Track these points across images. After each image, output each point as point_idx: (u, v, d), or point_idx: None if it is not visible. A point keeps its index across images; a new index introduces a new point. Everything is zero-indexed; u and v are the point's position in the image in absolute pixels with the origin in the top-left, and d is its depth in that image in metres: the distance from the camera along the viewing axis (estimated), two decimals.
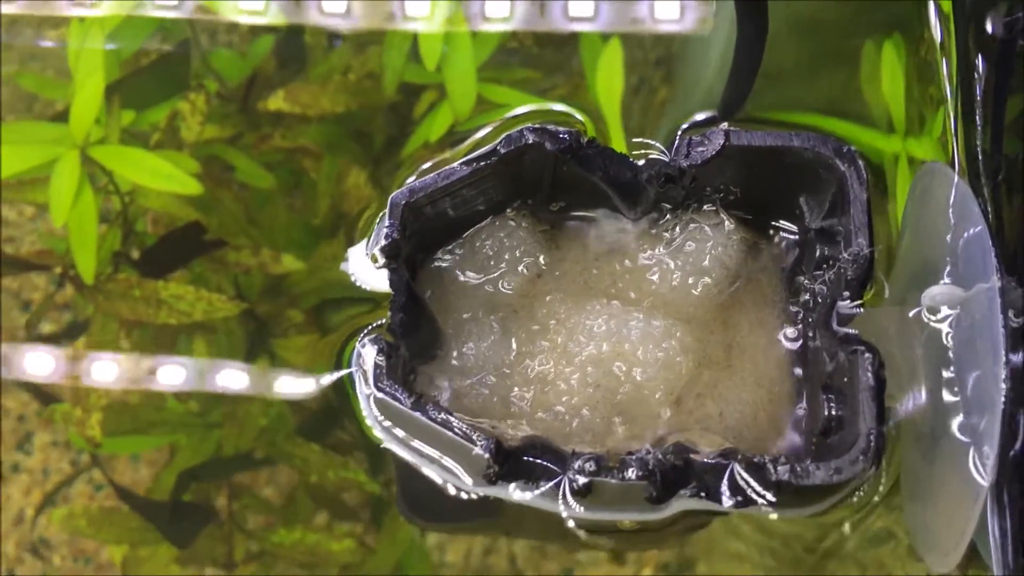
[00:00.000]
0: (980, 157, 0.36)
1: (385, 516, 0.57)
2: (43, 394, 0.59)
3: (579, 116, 0.46)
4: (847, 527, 0.44)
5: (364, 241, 0.42)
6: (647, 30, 0.53)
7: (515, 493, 0.34)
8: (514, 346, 0.37)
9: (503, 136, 0.35)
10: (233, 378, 0.58)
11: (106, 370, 0.58)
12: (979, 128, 0.37)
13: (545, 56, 0.51)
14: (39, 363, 0.59)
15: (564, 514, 0.34)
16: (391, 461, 0.58)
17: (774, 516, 0.32)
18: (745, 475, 0.32)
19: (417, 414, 0.33)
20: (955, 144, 0.40)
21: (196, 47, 0.59)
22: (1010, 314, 0.32)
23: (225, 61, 0.59)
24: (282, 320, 0.58)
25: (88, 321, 0.58)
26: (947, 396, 0.34)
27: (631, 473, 0.32)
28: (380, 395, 0.33)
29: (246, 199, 0.58)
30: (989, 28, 0.36)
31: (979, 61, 0.38)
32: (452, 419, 0.33)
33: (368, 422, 0.35)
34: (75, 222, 0.56)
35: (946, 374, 0.34)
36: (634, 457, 0.32)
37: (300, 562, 0.56)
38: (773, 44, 0.44)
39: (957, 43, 0.42)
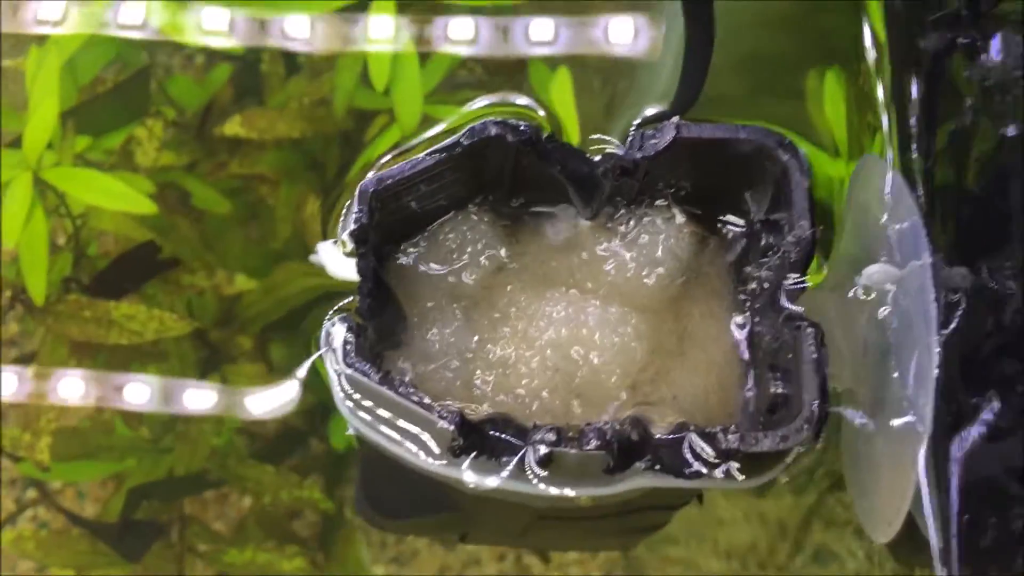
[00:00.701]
0: (915, 172, 0.39)
1: (336, 537, 0.57)
2: None
3: (540, 112, 0.48)
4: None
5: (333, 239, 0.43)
6: (602, 52, 0.55)
7: (478, 472, 0.35)
8: (476, 332, 0.39)
9: (467, 128, 0.37)
10: (185, 400, 0.58)
11: (56, 394, 0.58)
12: (913, 153, 0.40)
13: (495, 83, 0.53)
14: None
15: (522, 490, 0.35)
16: (348, 475, 0.59)
17: (736, 481, 0.33)
18: (700, 443, 0.34)
19: (385, 388, 0.34)
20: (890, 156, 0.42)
21: (154, 75, 0.60)
22: (946, 293, 0.34)
23: (182, 88, 0.60)
24: (233, 345, 0.58)
25: (38, 344, 0.58)
26: (887, 372, 0.36)
27: (590, 443, 0.33)
28: (350, 371, 0.34)
29: (203, 226, 0.59)
30: (922, 46, 0.39)
31: (912, 88, 0.41)
32: (418, 393, 0.34)
33: (338, 402, 0.36)
34: (26, 244, 0.57)
35: (886, 351, 0.36)
36: (592, 427, 0.34)
37: None
38: (717, 78, 0.46)
39: (891, 69, 0.45)
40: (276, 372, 0.58)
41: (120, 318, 0.58)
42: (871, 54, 0.47)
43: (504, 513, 0.41)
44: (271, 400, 0.59)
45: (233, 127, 0.60)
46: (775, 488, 0.58)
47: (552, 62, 0.56)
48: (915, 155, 0.39)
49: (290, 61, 0.60)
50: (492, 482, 0.35)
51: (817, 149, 0.47)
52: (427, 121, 0.56)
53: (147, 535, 0.55)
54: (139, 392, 0.58)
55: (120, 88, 0.60)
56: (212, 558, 0.58)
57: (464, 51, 0.57)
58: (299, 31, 0.58)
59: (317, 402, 0.54)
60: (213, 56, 0.61)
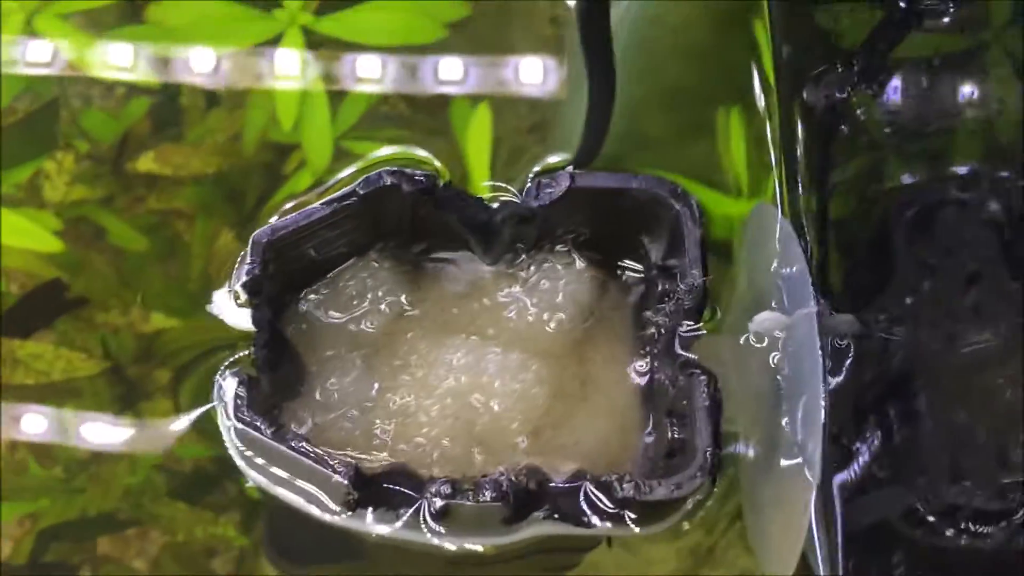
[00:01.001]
0: (803, 217, 0.39)
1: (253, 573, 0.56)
2: None
3: (437, 163, 0.48)
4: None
5: (227, 284, 0.43)
6: (513, 93, 0.56)
7: (376, 524, 0.35)
8: (376, 381, 0.38)
9: (362, 178, 0.37)
10: (98, 438, 0.57)
11: None
12: (800, 192, 0.41)
13: (417, 119, 0.53)
14: None
15: (426, 540, 0.35)
16: (262, 510, 0.58)
17: (635, 531, 0.34)
18: (596, 492, 0.34)
19: (276, 444, 0.34)
20: (782, 205, 0.43)
21: (66, 107, 0.59)
22: (834, 339, 0.35)
23: (97, 122, 0.58)
24: (150, 382, 0.57)
25: None
26: (779, 417, 0.36)
27: (485, 495, 0.33)
28: (240, 425, 0.34)
29: (119, 263, 0.58)
30: (807, 97, 0.40)
31: (799, 129, 0.41)
32: (310, 448, 0.34)
33: (233, 455, 0.35)
34: None
35: (776, 396, 0.36)
36: (488, 479, 0.34)
37: None
38: (643, 113, 0.47)
39: (780, 112, 0.45)
40: (185, 413, 0.57)
41: (25, 357, 0.57)
42: (762, 96, 0.47)
43: (412, 561, 0.41)
44: (184, 439, 0.57)
45: (147, 163, 0.59)
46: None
47: (473, 99, 0.56)
48: (802, 199, 0.39)
49: (210, 95, 0.60)
50: (388, 531, 0.35)
51: (718, 192, 0.47)
52: (345, 157, 0.56)
53: None
54: (50, 432, 0.57)
55: (29, 119, 0.58)
56: None
57: (373, 88, 0.57)
58: (205, 67, 0.58)
59: (214, 455, 0.53)
60: (130, 89, 0.60)
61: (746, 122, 0.50)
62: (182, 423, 0.53)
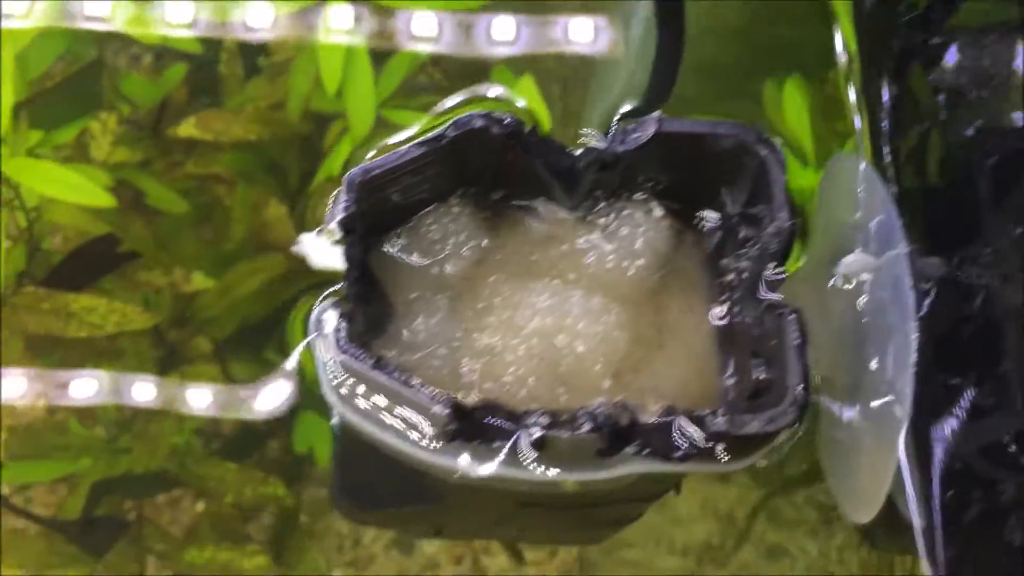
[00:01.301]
0: (887, 171, 0.40)
1: (294, 539, 0.57)
2: None
3: (519, 103, 0.49)
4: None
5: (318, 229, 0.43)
6: (563, 51, 0.56)
7: (468, 459, 0.35)
8: (462, 322, 0.39)
9: (451, 120, 0.37)
10: (143, 397, 0.57)
11: (9, 391, 0.57)
12: (885, 156, 0.41)
13: (456, 88, 0.54)
14: None
15: (510, 476, 0.35)
16: (309, 476, 0.59)
17: (720, 467, 0.34)
18: (689, 426, 0.34)
19: (379, 375, 0.34)
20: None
21: (105, 71, 0.59)
22: (918, 280, 0.35)
23: (136, 86, 0.59)
24: (191, 347, 0.58)
25: None
26: (866, 360, 0.37)
27: (583, 426, 0.34)
28: (342, 357, 0.34)
29: (157, 224, 0.58)
30: (889, 52, 0.41)
31: (883, 90, 0.42)
32: (413, 379, 0.34)
33: (325, 390, 0.36)
34: None
35: (863, 340, 0.37)
36: (584, 411, 0.34)
37: None
38: (679, 82, 0.47)
39: (862, 74, 0.46)
40: (237, 381, 0.57)
41: (79, 310, 0.57)
42: (841, 59, 0.48)
43: (485, 501, 0.42)
44: (230, 403, 0.58)
45: (188, 128, 0.59)
46: (733, 482, 0.59)
47: (516, 69, 0.56)
48: (887, 157, 0.40)
49: (249, 63, 0.60)
50: (486, 469, 0.35)
51: (789, 154, 0.48)
52: (384, 126, 0.56)
53: (111, 530, 0.54)
54: (89, 387, 0.57)
55: (71, 81, 0.59)
56: (173, 557, 0.57)
57: (426, 48, 0.57)
58: (262, 22, 0.58)
59: (298, 395, 0.54)
60: (167, 55, 0.60)
61: (809, 91, 0.50)
62: (238, 383, 0.53)
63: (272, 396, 0.55)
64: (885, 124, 0.43)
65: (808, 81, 0.51)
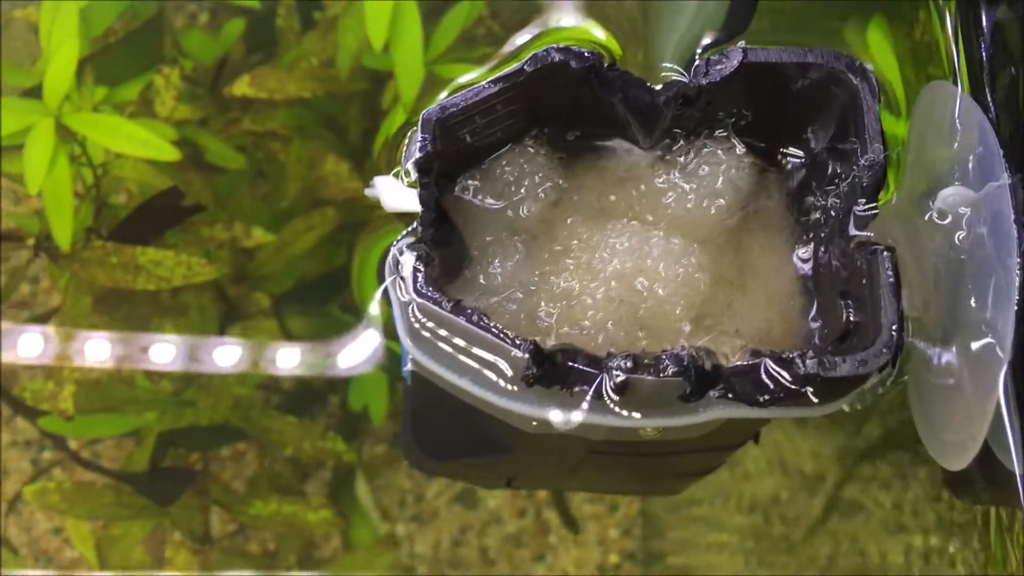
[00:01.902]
0: (989, 102, 0.38)
1: (354, 492, 0.57)
2: (14, 369, 0.58)
3: (597, 32, 0.47)
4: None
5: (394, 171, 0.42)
6: None
7: (552, 407, 0.35)
8: (538, 266, 0.38)
9: (529, 56, 0.36)
10: (207, 355, 0.57)
11: (79, 352, 0.57)
12: (986, 83, 0.39)
13: (514, 39, 0.52)
14: (10, 338, 0.57)
15: (588, 422, 0.34)
16: (366, 431, 0.59)
17: (808, 411, 0.33)
18: (776, 368, 0.33)
19: (457, 317, 0.33)
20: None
21: (167, 27, 0.59)
22: (1021, 213, 0.33)
23: (196, 42, 0.58)
24: (251, 302, 0.58)
25: (61, 297, 0.57)
26: (961, 298, 0.35)
27: (667, 368, 0.33)
28: (420, 300, 0.33)
29: (216, 181, 0.58)
30: None
31: (984, 24, 0.40)
32: (491, 322, 0.33)
33: (402, 335, 0.35)
34: (50, 189, 0.56)
35: (960, 275, 0.35)
36: (669, 353, 0.33)
37: (278, 533, 0.56)
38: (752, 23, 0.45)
39: (960, 11, 0.43)
40: (295, 337, 0.57)
41: (147, 263, 0.57)
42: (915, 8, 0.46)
43: (559, 449, 0.41)
44: (291, 357, 0.58)
45: (242, 87, 0.59)
46: (804, 436, 0.58)
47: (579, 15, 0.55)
48: (987, 91, 0.38)
49: (305, 16, 0.59)
50: (566, 416, 0.34)
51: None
52: (436, 83, 0.55)
53: (178, 480, 0.55)
54: (162, 352, 0.57)
55: (133, 37, 0.58)
56: (237, 510, 0.57)
57: None
58: None
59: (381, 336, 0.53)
60: (226, 10, 0.60)
61: (895, 36, 0.48)
62: (295, 339, 0.53)
63: (349, 352, 0.54)
64: (986, 71, 0.41)
65: (895, 24, 0.49)
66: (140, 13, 0.60)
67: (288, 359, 0.59)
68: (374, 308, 0.55)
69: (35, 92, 0.55)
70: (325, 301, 0.59)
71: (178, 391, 0.58)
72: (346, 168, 0.59)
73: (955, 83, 0.42)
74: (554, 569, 0.62)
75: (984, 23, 0.39)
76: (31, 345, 0.58)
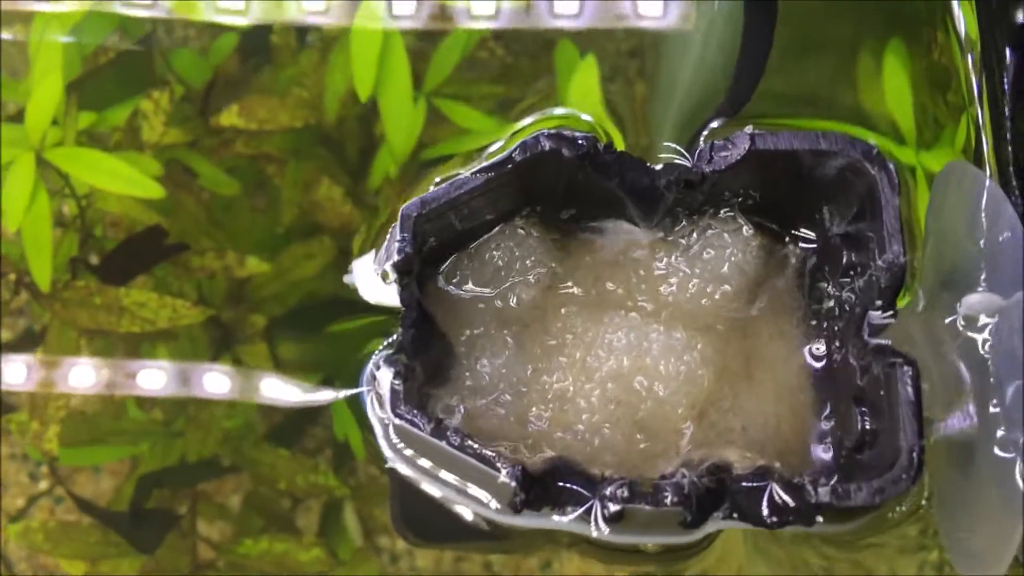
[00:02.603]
0: (1011, 163, 0.35)
1: (342, 525, 0.55)
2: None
3: (586, 117, 0.44)
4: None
5: (372, 254, 0.40)
6: (630, 27, 0.52)
7: (543, 520, 0.32)
8: (530, 362, 0.35)
9: (518, 143, 0.33)
10: (197, 384, 0.56)
11: (65, 379, 0.56)
12: (1008, 134, 0.36)
13: (520, 65, 0.50)
14: None
15: (593, 534, 0.32)
16: (370, 462, 0.57)
17: (818, 530, 0.31)
18: (784, 496, 0.31)
19: (437, 441, 0.31)
20: (984, 149, 0.38)
21: (157, 46, 0.57)
22: None
23: (186, 61, 0.56)
24: (247, 326, 0.56)
25: (45, 329, 0.56)
26: (985, 407, 0.33)
27: (666, 498, 0.30)
28: (398, 422, 0.31)
29: (209, 203, 0.56)
30: (1020, 18, 0.35)
31: (1008, 60, 0.36)
32: (474, 444, 0.31)
33: (381, 444, 0.33)
34: (29, 227, 0.54)
35: (984, 384, 0.33)
36: (669, 482, 0.31)
37: (268, 573, 0.55)
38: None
39: (980, 44, 0.40)
40: (286, 369, 0.55)
41: (131, 305, 0.56)
42: (959, 21, 0.42)
43: (548, 537, 0.39)
44: (283, 389, 0.56)
45: (230, 117, 0.57)
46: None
47: (581, 47, 0.52)
48: (1010, 145, 0.35)
49: (301, 35, 0.57)
50: (552, 524, 0.32)
51: (878, 135, 0.43)
52: (442, 122, 0.53)
53: (160, 525, 0.53)
54: (152, 377, 0.56)
55: (124, 58, 0.57)
56: (226, 548, 0.56)
57: (485, 25, 0.53)
58: (315, 5, 0.55)
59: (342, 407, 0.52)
60: (220, 26, 0.57)
61: (910, 58, 0.45)
62: (309, 388, 0.51)
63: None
64: (1008, 103, 0.37)
65: (910, 49, 0.46)
66: (131, 32, 0.58)
67: (279, 387, 0.57)
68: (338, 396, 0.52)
69: (19, 116, 0.53)
70: (320, 327, 0.57)
71: (169, 420, 0.57)
72: (340, 192, 0.56)
73: (975, 112, 0.39)
74: None
75: (1008, 59, 0.36)
76: (14, 372, 0.56)
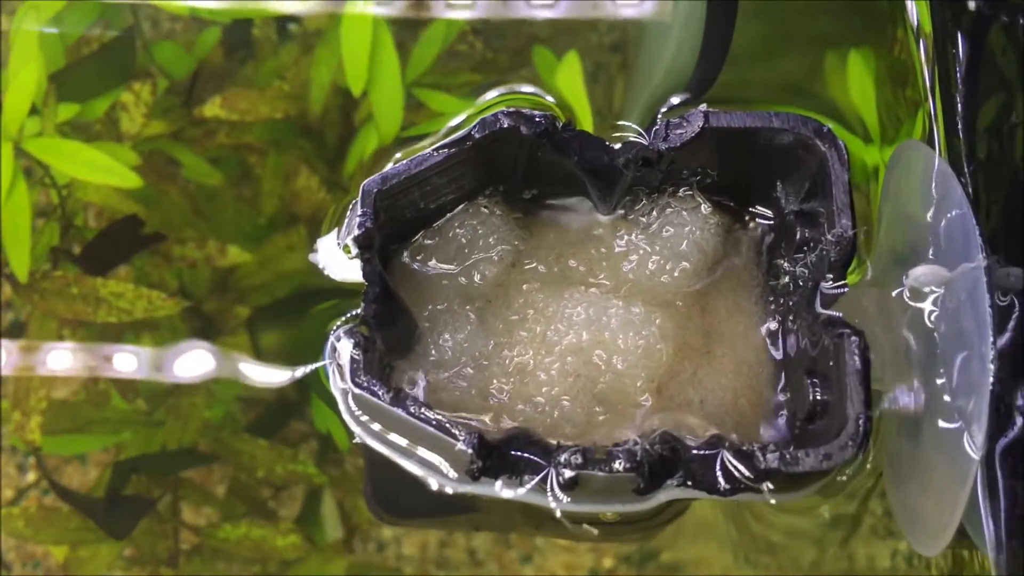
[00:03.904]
0: (963, 160, 0.36)
1: (320, 513, 0.55)
2: None
3: (549, 98, 0.45)
4: (825, 512, 0.43)
5: (335, 231, 0.40)
6: (606, 16, 0.52)
7: (501, 490, 0.33)
8: (491, 336, 0.36)
9: (477, 120, 0.34)
10: (178, 372, 0.56)
11: (47, 368, 0.57)
12: (959, 133, 0.37)
13: (498, 60, 0.50)
14: None
15: (552, 506, 0.33)
16: (355, 454, 0.57)
17: (769, 500, 0.31)
18: (734, 462, 0.31)
19: (396, 409, 0.31)
20: (937, 140, 0.39)
21: (140, 37, 0.57)
22: (996, 294, 0.31)
23: (169, 54, 0.57)
24: (229, 317, 0.56)
25: (26, 320, 0.56)
26: (933, 377, 0.33)
27: (619, 465, 0.31)
28: (357, 391, 0.32)
29: (192, 193, 0.57)
30: (972, 6, 0.36)
31: (959, 51, 0.37)
32: (432, 414, 0.31)
33: (344, 417, 0.33)
34: (8, 218, 0.54)
35: (931, 355, 0.33)
36: (621, 448, 0.31)
37: (246, 558, 0.55)
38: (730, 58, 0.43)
39: (934, 46, 0.41)
40: (267, 358, 0.56)
41: (108, 296, 0.56)
42: (912, 21, 0.43)
43: (520, 513, 0.39)
44: (263, 379, 0.57)
45: (213, 109, 0.57)
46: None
47: (558, 48, 0.52)
48: (961, 135, 0.35)
49: (283, 28, 0.58)
50: (510, 494, 0.33)
51: (847, 132, 0.43)
52: (421, 109, 0.53)
53: (134, 511, 0.54)
54: (131, 365, 0.56)
55: (106, 49, 0.57)
56: (206, 533, 0.56)
57: (463, 15, 0.54)
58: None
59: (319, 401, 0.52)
60: (202, 19, 0.58)
61: (874, 58, 0.45)
62: (286, 374, 0.52)
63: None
64: (960, 95, 0.38)
65: (873, 47, 0.46)
66: (113, 23, 0.59)
67: (261, 377, 0.58)
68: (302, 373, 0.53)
69: None
70: (301, 317, 0.57)
71: (151, 410, 0.57)
72: (317, 181, 0.57)
73: (929, 107, 0.40)
74: (542, 571, 0.61)
75: (961, 53, 0.37)
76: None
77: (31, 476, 0.58)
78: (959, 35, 0.38)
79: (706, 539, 0.55)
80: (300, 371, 0.49)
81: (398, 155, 0.44)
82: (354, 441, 0.37)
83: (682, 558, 0.56)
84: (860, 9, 0.46)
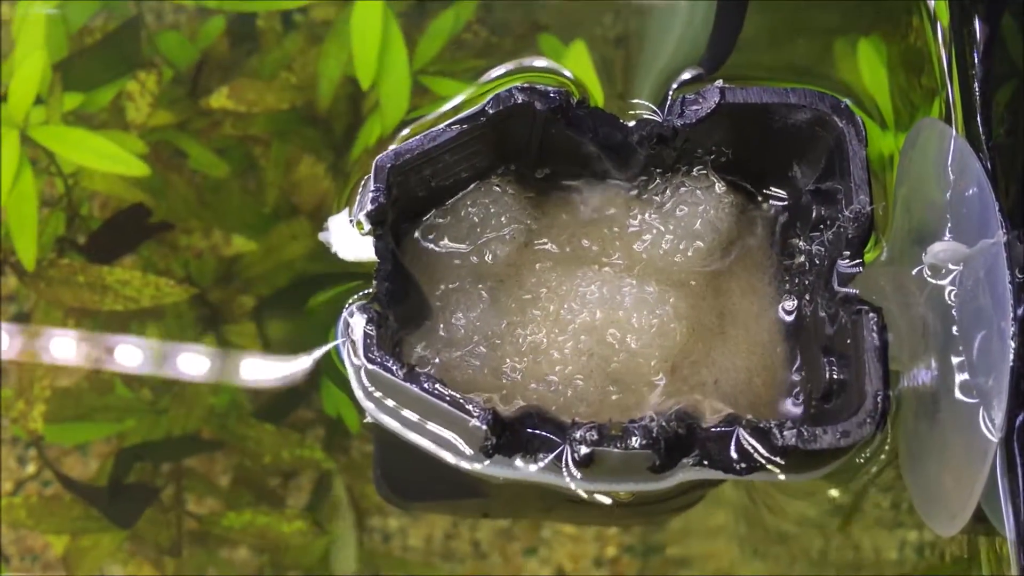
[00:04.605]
0: (982, 141, 0.35)
1: (331, 498, 0.55)
2: None
3: (567, 72, 0.45)
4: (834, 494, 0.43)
5: (346, 210, 0.40)
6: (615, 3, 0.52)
7: (516, 467, 0.33)
8: (504, 316, 0.36)
9: (491, 96, 0.34)
10: (184, 361, 0.56)
11: (50, 357, 0.56)
12: (978, 117, 0.36)
13: (503, 45, 0.50)
14: None
15: (568, 484, 0.33)
16: (364, 439, 0.57)
17: (781, 478, 0.31)
18: (751, 440, 0.31)
19: (410, 385, 0.31)
20: (955, 125, 0.39)
21: (144, 27, 0.57)
22: (1016, 271, 0.31)
23: (173, 44, 0.56)
24: (234, 305, 0.56)
25: (31, 308, 0.56)
26: (950, 356, 0.33)
27: (634, 441, 0.31)
28: (371, 366, 0.31)
29: (199, 184, 0.56)
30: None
31: (975, 39, 0.37)
32: (446, 390, 0.31)
33: (357, 394, 0.33)
34: (14, 206, 0.54)
35: (949, 333, 0.33)
36: (637, 425, 0.31)
37: (251, 545, 0.55)
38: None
39: (953, 18, 0.41)
40: (274, 347, 0.56)
41: (114, 284, 0.56)
42: (929, 5, 0.43)
43: (532, 495, 0.39)
44: (270, 367, 0.56)
45: (220, 99, 0.57)
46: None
47: (565, 36, 0.52)
48: (979, 117, 0.35)
49: (287, 17, 0.57)
50: (524, 473, 0.32)
51: (864, 115, 0.43)
52: (422, 93, 0.53)
53: (138, 499, 0.53)
54: (135, 354, 0.56)
55: (110, 39, 0.57)
56: (210, 521, 0.56)
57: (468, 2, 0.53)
58: None
59: (330, 383, 0.51)
60: (206, 9, 0.58)
61: (884, 45, 0.45)
62: (293, 360, 0.51)
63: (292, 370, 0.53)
64: (977, 76, 0.38)
65: (887, 33, 0.46)
66: (116, 13, 0.58)
67: (267, 368, 0.57)
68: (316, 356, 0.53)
69: (1, 96, 0.53)
70: (305, 304, 0.57)
71: (155, 398, 0.57)
72: (322, 168, 0.57)
73: (947, 104, 0.40)
74: (548, 563, 0.61)
75: (978, 36, 0.37)
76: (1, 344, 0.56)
77: (32, 467, 0.57)
78: (975, 17, 0.38)
79: (714, 535, 0.55)
80: (312, 354, 0.48)
81: (405, 132, 0.43)
82: (365, 421, 0.36)
83: (689, 553, 0.56)
84: (868, 10, 0.45)
